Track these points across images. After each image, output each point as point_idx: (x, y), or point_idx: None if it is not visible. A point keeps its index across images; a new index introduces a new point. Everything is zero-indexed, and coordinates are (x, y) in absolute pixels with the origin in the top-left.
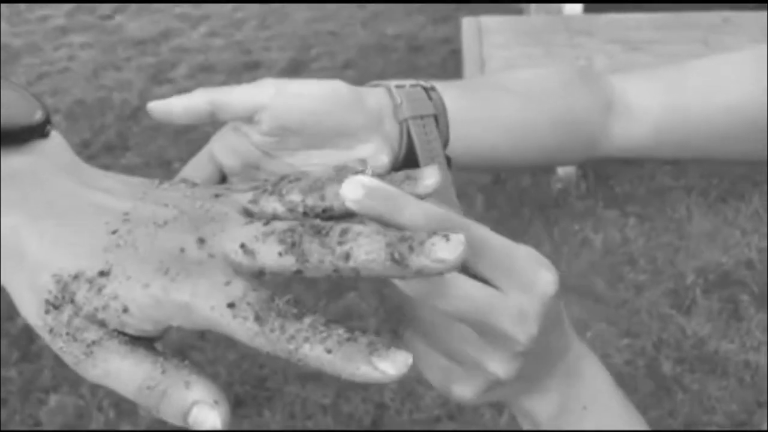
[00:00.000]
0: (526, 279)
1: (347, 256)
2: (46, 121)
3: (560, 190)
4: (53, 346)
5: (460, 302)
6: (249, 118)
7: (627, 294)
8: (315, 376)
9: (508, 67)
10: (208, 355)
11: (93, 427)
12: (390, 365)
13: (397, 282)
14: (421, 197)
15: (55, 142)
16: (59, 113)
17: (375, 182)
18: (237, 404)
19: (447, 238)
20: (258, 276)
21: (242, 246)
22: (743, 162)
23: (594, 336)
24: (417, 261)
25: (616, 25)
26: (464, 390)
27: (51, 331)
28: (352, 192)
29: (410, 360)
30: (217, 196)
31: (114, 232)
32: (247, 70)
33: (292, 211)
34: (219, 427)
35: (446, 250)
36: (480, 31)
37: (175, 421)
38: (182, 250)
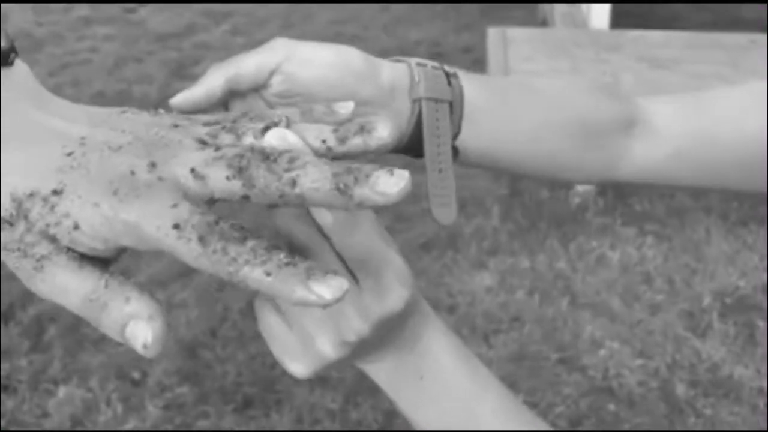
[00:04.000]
0: (384, 288)
1: (293, 183)
2: (11, 50)
3: (578, 206)
4: (7, 262)
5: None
6: (263, 85)
7: (642, 313)
8: (324, 381)
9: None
10: (217, 353)
11: (101, 420)
12: (326, 289)
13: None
14: (374, 150)
15: (21, 71)
16: (79, 104)
17: (294, 138)
18: (245, 405)
19: (391, 172)
20: (209, 203)
21: (192, 170)
22: (759, 193)
23: (607, 355)
24: (360, 192)
25: (643, 42)
26: (297, 366)
27: (5, 246)
28: (274, 141)
29: (346, 285)
30: (175, 125)
31: (69, 155)
32: None
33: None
34: (149, 343)
35: (390, 183)
36: (505, 42)
37: (115, 335)
38: (132, 172)
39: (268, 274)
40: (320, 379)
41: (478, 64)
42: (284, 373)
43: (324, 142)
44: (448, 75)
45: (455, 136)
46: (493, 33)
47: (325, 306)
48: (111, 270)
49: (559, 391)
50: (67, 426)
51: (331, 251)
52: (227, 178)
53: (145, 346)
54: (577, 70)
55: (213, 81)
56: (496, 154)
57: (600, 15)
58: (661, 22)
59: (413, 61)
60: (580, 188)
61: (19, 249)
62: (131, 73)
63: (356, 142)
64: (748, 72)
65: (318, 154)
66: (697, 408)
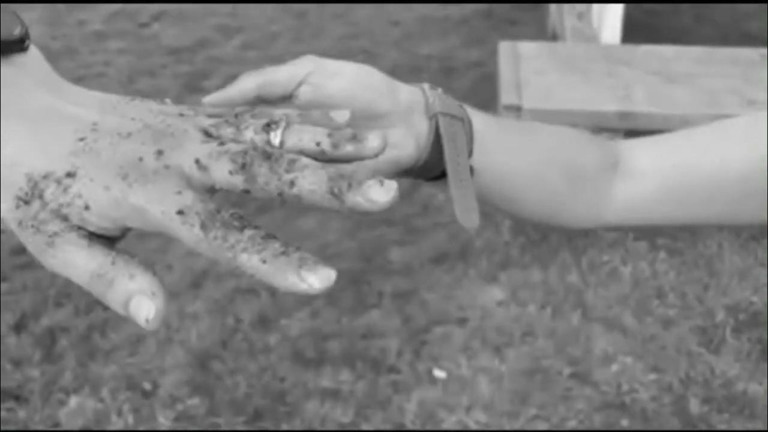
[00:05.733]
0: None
1: (292, 184)
2: (25, 36)
3: None
4: (20, 237)
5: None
6: (290, 94)
7: (655, 328)
8: (335, 394)
9: (545, 92)
10: (228, 365)
11: (112, 430)
12: (316, 278)
13: None
14: (365, 158)
15: (35, 57)
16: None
17: (292, 139)
18: (255, 417)
19: (381, 182)
20: (210, 191)
21: (197, 161)
22: (747, 226)
23: (620, 369)
24: (353, 198)
25: (655, 57)
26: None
27: (20, 223)
28: (274, 140)
29: (334, 275)
30: (182, 115)
31: (82, 139)
32: None
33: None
34: (151, 317)
35: (380, 192)
36: (517, 56)
37: (120, 309)
38: (141, 159)
39: (264, 262)
40: (331, 392)
41: (488, 78)
42: (295, 385)
43: (318, 144)
44: (458, 103)
45: (469, 153)
46: (504, 47)
47: (315, 293)
48: (117, 248)
49: (571, 406)
50: None
51: None
52: (230, 172)
53: (147, 320)
54: (589, 83)
55: (245, 85)
56: (501, 185)
57: (611, 29)
58: (671, 37)
59: (425, 84)
60: None
61: (32, 226)
62: (144, 87)
63: (348, 149)
64: (760, 86)
65: (311, 155)
66: (711, 424)
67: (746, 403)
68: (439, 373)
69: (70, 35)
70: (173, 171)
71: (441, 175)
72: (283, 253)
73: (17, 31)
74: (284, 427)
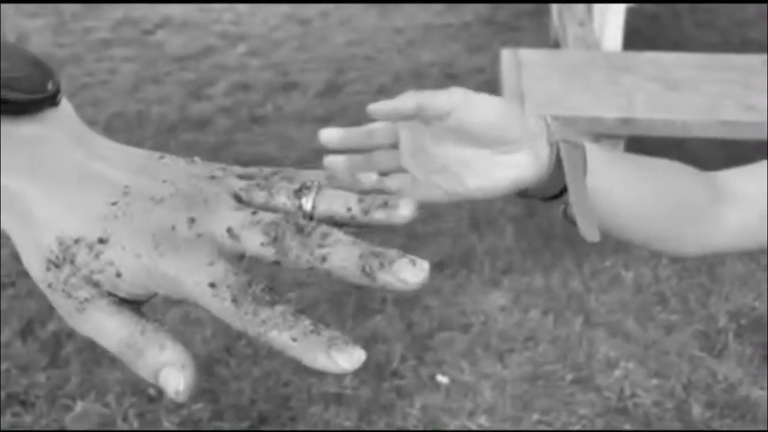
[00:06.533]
0: None
1: (323, 259)
2: (57, 91)
3: None
4: (50, 299)
5: None
6: (440, 117)
7: (657, 334)
8: (339, 399)
9: (547, 99)
10: (233, 370)
11: None
12: (346, 359)
13: None
14: (394, 225)
15: (65, 111)
16: (98, 125)
17: (324, 206)
18: (260, 421)
19: (414, 262)
20: (239, 258)
21: (229, 230)
22: None
23: (622, 375)
24: (383, 277)
25: (656, 64)
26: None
27: (50, 285)
28: (306, 206)
29: (363, 356)
30: (212, 177)
31: (114, 204)
32: (284, 90)
33: (276, 209)
34: (181, 390)
35: (411, 272)
36: (519, 63)
37: (149, 378)
38: (173, 227)
39: (294, 340)
40: (335, 397)
41: (490, 84)
42: (299, 390)
43: (349, 210)
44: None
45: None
46: (506, 54)
47: (344, 373)
48: (144, 311)
49: (574, 411)
50: None
51: None
52: (262, 244)
53: (177, 393)
54: (591, 90)
55: (407, 103)
56: (610, 212)
57: (612, 37)
58: (672, 44)
59: (547, 116)
60: None
61: (63, 290)
62: (149, 94)
63: (378, 216)
64: (761, 92)
65: (342, 221)
66: (713, 429)
67: (748, 408)
68: (442, 379)
69: (75, 43)
70: (205, 239)
71: (555, 196)
72: (312, 331)
73: (50, 86)
74: (288, 431)
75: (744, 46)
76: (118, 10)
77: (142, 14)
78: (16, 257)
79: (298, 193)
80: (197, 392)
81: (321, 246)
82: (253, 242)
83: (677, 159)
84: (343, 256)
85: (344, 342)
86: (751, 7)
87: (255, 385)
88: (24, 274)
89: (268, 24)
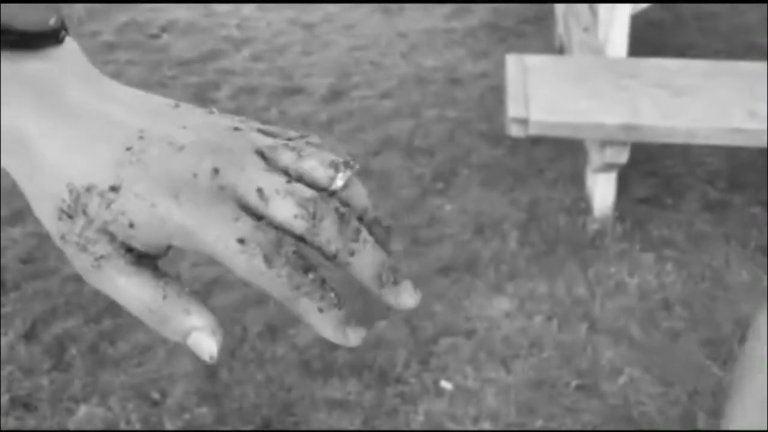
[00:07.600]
0: None
1: (352, 253)
2: (61, 27)
3: (597, 231)
4: (64, 250)
5: None
6: None
7: (662, 341)
8: (342, 404)
9: (552, 105)
10: (236, 374)
11: None
12: (354, 336)
13: None
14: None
15: (71, 48)
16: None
17: (358, 189)
18: (263, 426)
19: (414, 289)
20: (256, 220)
21: (259, 190)
22: None
23: (627, 382)
24: (389, 292)
25: (661, 70)
26: None
27: (62, 237)
28: (340, 182)
29: (364, 334)
30: (235, 129)
31: (128, 149)
32: (288, 94)
33: (299, 174)
34: (215, 354)
35: (410, 297)
36: (524, 68)
37: (177, 340)
38: (195, 175)
39: (321, 311)
40: (338, 403)
41: (494, 90)
42: (302, 395)
43: (365, 211)
44: None
45: None
46: (511, 60)
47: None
48: (163, 272)
49: (578, 418)
50: None
51: None
52: (294, 216)
53: (211, 357)
54: (597, 95)
55: None
56: None
57: (617, 43)
58: (677, 50)
59: None
60: (598, 214)
61: (77, 243)
62: None
63: (378, 235)
64: (765, 99)
65: (356, 211)
66: None
67: None
68: (446, 385)
69: (82, 46)
70: (228, 193)
71: None
72: (335, 305)
73: (52, 21)
74: None
75: (748, 51)
76: (124, 14)
77: (148, 18)
78: (19, 259)
79: (336, 165)
80: (200, 396)
81: (354, 240)
82: (285, 211)
83: (682, 166)
84: (370, 259)
85: (353, 321)
86: (755, 13)
87: (259, 389)
88: (27, 276)
89: (272, 28)
